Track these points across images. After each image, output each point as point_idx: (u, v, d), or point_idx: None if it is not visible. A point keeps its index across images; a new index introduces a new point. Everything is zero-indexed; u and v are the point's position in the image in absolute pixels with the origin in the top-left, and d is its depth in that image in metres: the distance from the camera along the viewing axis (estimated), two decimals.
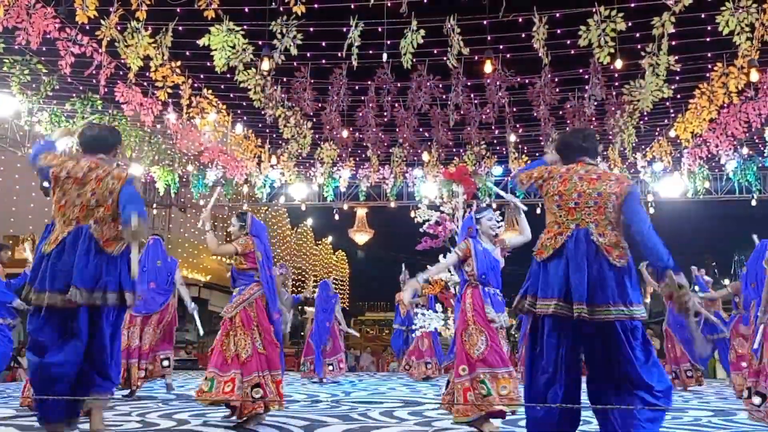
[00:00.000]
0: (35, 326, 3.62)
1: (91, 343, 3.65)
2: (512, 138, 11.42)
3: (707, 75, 9.02)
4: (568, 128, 11.10)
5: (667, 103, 9.98)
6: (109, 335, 3.73)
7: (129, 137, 12.04)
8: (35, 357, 3.57)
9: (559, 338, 3.08)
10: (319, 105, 10.28)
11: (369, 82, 9.84)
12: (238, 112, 11.42)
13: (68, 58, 8.19)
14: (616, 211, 3.16)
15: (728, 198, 13.65)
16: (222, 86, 10.35)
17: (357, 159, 13.39)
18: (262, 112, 10.32)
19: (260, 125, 11.73)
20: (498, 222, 5.58)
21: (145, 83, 9.92)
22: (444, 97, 9.99)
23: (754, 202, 13.22)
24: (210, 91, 10.42)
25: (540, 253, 3.26)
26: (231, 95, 10.68)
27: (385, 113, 10.56)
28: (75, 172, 3.78)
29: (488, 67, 7.95)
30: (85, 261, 3.60)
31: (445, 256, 9.45)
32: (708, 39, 8.19)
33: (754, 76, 7.63)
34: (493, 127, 11.32)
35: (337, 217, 15.00)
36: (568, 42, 8.31)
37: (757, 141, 11.92)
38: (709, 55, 8.69)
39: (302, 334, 27.07)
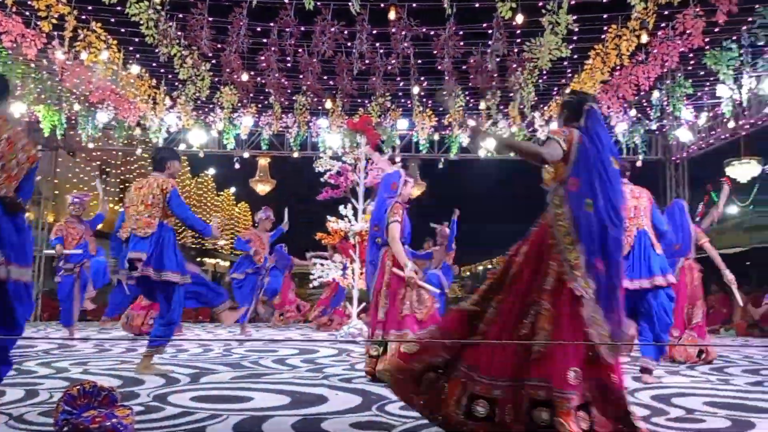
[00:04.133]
0: None
1: None
2: (415, 90, 11.38)
3: (602, 36, 9.29)
4: (471, 83, 11.20)
5: (565, 63, 10.21)
6: None
7: (10, 72, 11.09)
8: None
9: None
10: (218, 45, 9.83)
11: (271, 24, 9.47)
12: (130, 49, 10.69)
13: None
14: None
15: None
16: (112, 20, 9.68)
17: (259, 106, 12.97)
18: (156, 51, 9.76)
19: (154, 64, 11.07)
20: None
21: (28, 12, 9.14)
22: (349, 44, 9.80)
23: (639, 164, 13.93)
24: (99, 25, 9.72)
25: None
26: (122, 30, 10.00)
27: (288, 58, 10.24)
28: None
29: (392, 15, 7.84)
30: None
31: (345, 207, 9.48)
32: (605, 0, 8.40)
33: (644, 38, 7.94)
34: (398, 78, 11.24)
35: (237, 166, 14.57)
36: None
37: (645, 104, 12.48)
38: (605, 16, 8.92)
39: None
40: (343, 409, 3.64)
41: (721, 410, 3.80)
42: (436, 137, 13.82)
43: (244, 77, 10.58)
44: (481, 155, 13.92)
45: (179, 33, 9.56)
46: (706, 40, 8.96)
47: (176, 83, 11.54)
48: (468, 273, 46.61)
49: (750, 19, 8.84)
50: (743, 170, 12.93)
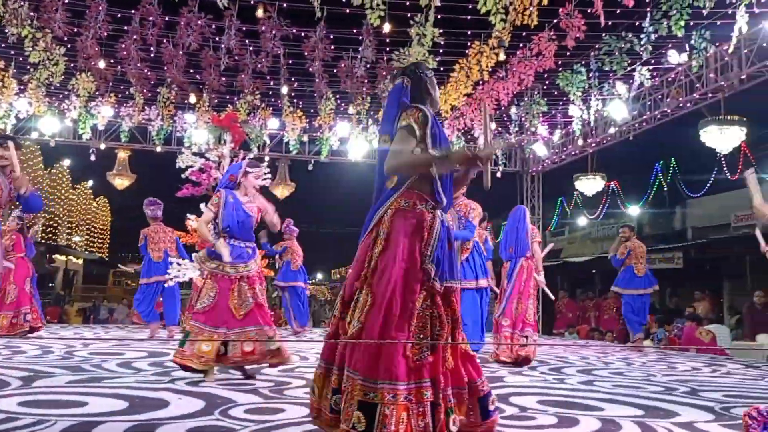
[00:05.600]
0: None
1: None
2: (284, 90, 11.29)
3: (466, 51, 9.69)
4: (342, 87, 11.29)
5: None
6: None
7: None
8: None
9: None
10: (74, 29, 9.23)
11: (132, 12, 9.03)
12: None
13: None
14: None
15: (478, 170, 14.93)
16: None
17: (119, 96, 12.31)
18: (5, 31, 9.02)
19: (3, 45, 10.24)
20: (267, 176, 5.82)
21: None
22: (216, 39, 9.55)
23: (499, 174, 14.69)
24: None
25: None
26: None
27: (151, 48, 9.80)
28: None
29: (260, 13, 7.73)
30: None
31: (206, 205, 9.22)
32: (469, 17, 8.76)
33: (502, 56, 8.39)
34: (267, 77, 11.10)
35: (93, 158, 13.75)
36: (343, 0, 8.35)
37: (505, 119, 13.17)
38: (469, 32, 9.32)
39: (51, 285, 24.81)
40: (184, 413, 3.52)
41: (551, 408, 4.05)
42: (306, 138, 13.77)
43: (102, 64, 10.01)
44: (352, 158, 14.00)
45: (31, 13, 8.89)
46: (559, 62, 9.61)
47: (27, 66, 10.71)
48: (338, 276, 46.77)
49: (597, 46, 9.61)
50: (589, 185, 14.02)
